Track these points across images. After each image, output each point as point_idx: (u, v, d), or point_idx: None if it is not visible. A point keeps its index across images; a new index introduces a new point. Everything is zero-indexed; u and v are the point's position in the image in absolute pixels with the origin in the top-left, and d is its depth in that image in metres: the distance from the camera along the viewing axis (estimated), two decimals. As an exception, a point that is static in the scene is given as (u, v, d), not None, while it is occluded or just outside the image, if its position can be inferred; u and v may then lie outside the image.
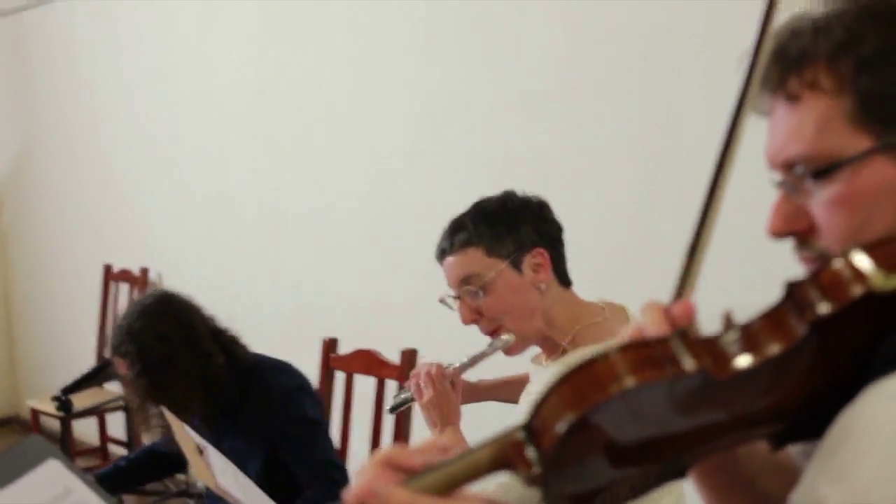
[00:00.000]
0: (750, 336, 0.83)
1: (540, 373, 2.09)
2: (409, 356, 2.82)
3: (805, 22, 0.98)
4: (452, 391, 2.16)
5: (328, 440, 2.61)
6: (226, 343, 2.58)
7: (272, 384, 2.53)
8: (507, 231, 2.01)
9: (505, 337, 2.05)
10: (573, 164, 3.10)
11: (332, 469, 2.58)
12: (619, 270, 2.98)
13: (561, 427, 0.80)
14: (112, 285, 5.21)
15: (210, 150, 4.64)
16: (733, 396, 0.84)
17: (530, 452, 0.82)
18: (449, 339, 2.83)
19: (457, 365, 2.16)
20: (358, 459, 2.90)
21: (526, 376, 2.38)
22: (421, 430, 2.83)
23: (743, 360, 0.81)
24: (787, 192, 0.99)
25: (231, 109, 4.49)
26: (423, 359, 2.62)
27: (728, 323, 0.85)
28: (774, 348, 0.82)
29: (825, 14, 0.97)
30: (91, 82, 5.35)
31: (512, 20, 3.27)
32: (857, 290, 0.82)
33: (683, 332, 0.84)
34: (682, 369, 0.80)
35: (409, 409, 2.64)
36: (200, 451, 1.68)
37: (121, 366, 2.48)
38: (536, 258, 2.01)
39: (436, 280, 3.55)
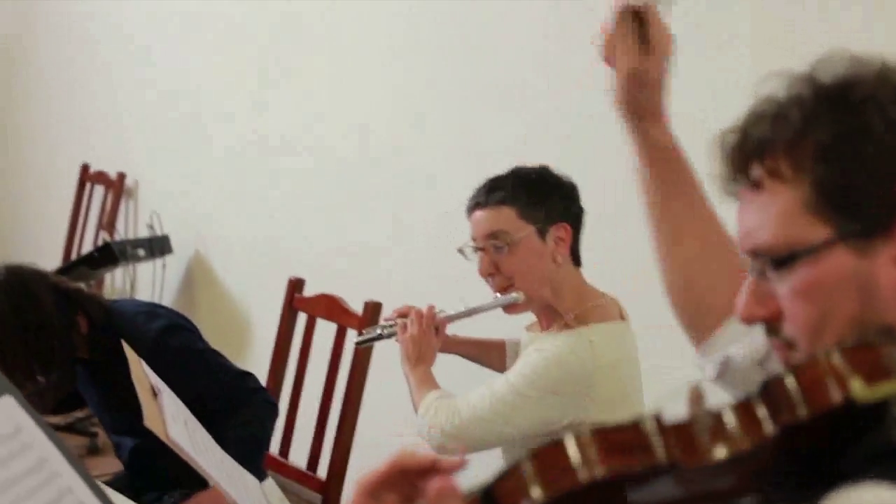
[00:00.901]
0: (722, 428, 0.83)
1: (540, 340, 2.19)
2: (373, 308, 2.83)
3: (768, 106, 0.98)
4: (434, 335, 2.29)
5: (219, 356, 2.64)
6: (80, 303, 2.55)
7: (140, 333, 2.50)
8: (541, 200, 2.16)
9: (514, 294, 2.19)
10: (547, 158, 3.09)
11: (242, 380, 2.62)
12: (595, 263, 2.99)
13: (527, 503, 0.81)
14: (87, 186, 5.19)
15: (200, 72, 4.60)
16: (703, 478, 0.85)
17: None
18: (411, 294, 2.86)
19: (450, 313, 2.31)
20: (310, 399, 2.93)
21: (501, 343, 2.45)
22: (375, 389, 2.87)
23: (714, 454, 0.82)
24: (757, 277, 1.00)
25: (225, 43, 4.46)
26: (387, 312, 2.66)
27: (697, 403, 0.86)
28: (745, 443, 0.82)
29: (786, 98, 0.97)
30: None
31: (493, 11, 3.25)
32: (836, 399, 0.81)
33: (657, 416, 0.83)
34: (653, 459, 0.81)
35: (371, 347, 2.72)
36: (155, 394, 1.69)
37: None
38: (560, 231, 2.17)
39: (403, 238, 3.58)
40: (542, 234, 2.15)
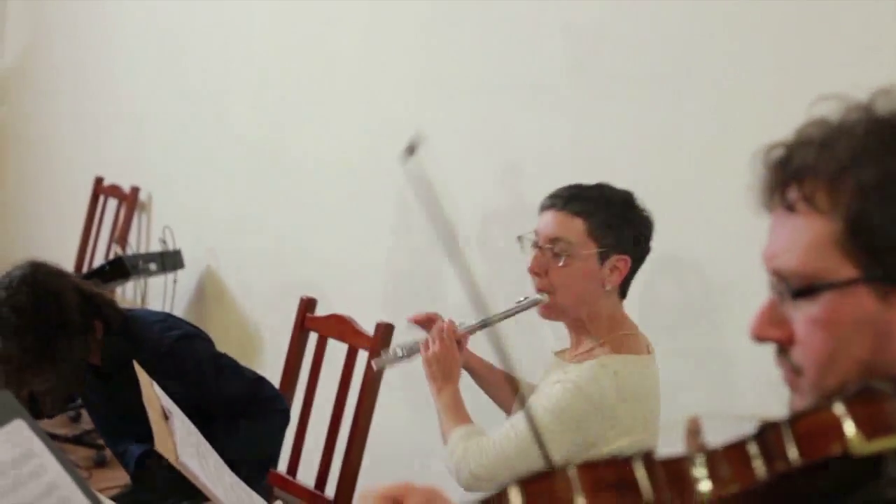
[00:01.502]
0: (713, 469, 0.82)
1: (562, 369, 2.17)
2: (384, 330, 2.82)
3: (817, 130, 0.97)
4: (457, 350, 2.25)
5: (234, 363, 2.67)
6: (99, 307, 2.57)
7: (157, 340, 2.55)
8: (614, 226, 2.13)
9: (538, 296, 2.18)
10: (573, 162, 3.10)
11: (258, 387, 2.65)
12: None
13: None
14: (101, 199, 5.20)
15: (216, 87, 4.61)
16: None
17: None
18: (431, 305, 2.85)
19: (471, 323, 2.25)
20: (320, 418, 2.93)
21: (517, 381, 2.40)
22: (385, 408, 2.86)
23: (702, 495, 0.81)
24: (776, 298, 0.99)
25: (240, 53, 4.47)
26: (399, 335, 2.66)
27: (694, 437, 0.85)
28: (734, 487, 0.82)
29: (838, 124, 0.96)
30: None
31: (527, 13, 3.25)
32: (831, 450, 0.81)
33: (646, 454, 0.83)
34: (640, 498, 0.81)
35: (382, 375, 2.73)
36: (166, 417, 1.68)
37: None
38: (620, 263, 2.14)
39: (418, 258, 3.57)
40: (602, 258, 2.13)
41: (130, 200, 5.00)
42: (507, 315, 2.22)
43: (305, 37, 4.13)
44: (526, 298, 2.21)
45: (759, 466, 0.82)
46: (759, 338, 1.00)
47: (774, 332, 0.98)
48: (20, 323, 2.41)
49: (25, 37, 5.97)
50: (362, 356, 2.86)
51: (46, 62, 5.81)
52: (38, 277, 2.48)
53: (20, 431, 1.31)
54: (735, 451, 0.83)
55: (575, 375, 2.09)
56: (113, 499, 2.44)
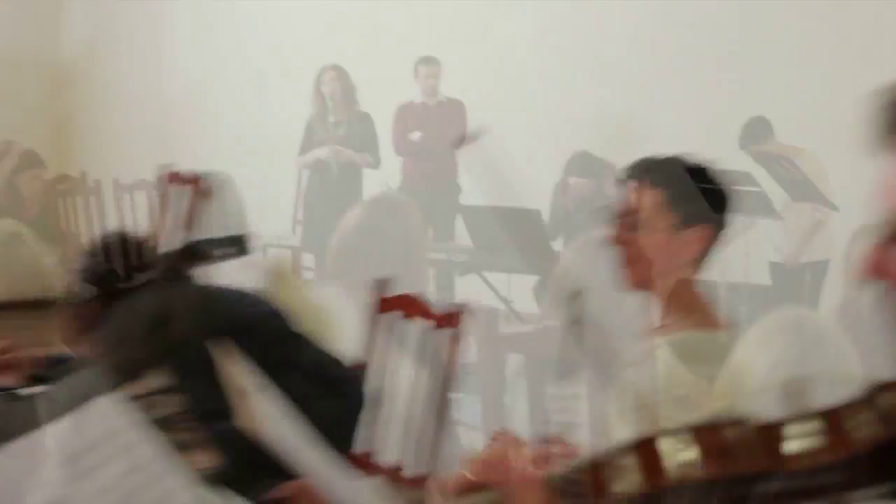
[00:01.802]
0: (817, 433, 0.79)
1: (643, 350, 2.13)
2: (460, 310, 2.79)
3: None
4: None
5: (317, 343, 2.66)
6: (183, 279, 2.64)
7: (240, 315, 2.55)
8: (692, 198, 2.08)
9: (573, 290, 2.12)
10: (626, 132, 3.06)
11: (339, 369, 2.65)
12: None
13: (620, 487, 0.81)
14: (168, 185, 5.21)
15: (279, 74, 4.63)
16: (808, 477, 0.80)
17: None
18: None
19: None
20: (397, 398, 2.90)
21: None
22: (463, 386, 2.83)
23: (802, 460, 0.78)
24: (889, 237, 0.96)
25: (302, 42, 4.47)
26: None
27: (798, 404, 0.81)
28: (838, 452, 0.78)
29: None
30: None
31: None
32: None
33: (744, 418, 0.81)
34: (737, 464, 0.78)
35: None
36: (248, 392, 1.66)
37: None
38: (699, 233, 2.10)
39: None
40: (679, 228, 2.09)
41: (198, 187, 5.00)
42: (577, 327, 2.18)
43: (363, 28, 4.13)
44: (566, 298, 2.18)
45: (866, 430, 0.77)
46: (874, 277, 0.96)
47: (887, 273, 0.95)
48: (106, 284, 2.42)
49: (89, 27, 6.01)
50: (437, 335, 2.83)
51: (111, 50, 5.86)
52: (130, 247, 2.49)
53: (105, 409, 1.29)
54: (843, 412, 0.79)
55: (661, 362, 2.05)
56: (206, 478, 2.43)
